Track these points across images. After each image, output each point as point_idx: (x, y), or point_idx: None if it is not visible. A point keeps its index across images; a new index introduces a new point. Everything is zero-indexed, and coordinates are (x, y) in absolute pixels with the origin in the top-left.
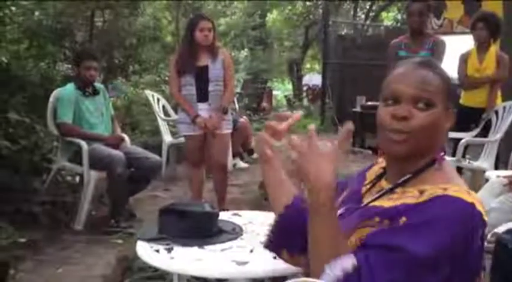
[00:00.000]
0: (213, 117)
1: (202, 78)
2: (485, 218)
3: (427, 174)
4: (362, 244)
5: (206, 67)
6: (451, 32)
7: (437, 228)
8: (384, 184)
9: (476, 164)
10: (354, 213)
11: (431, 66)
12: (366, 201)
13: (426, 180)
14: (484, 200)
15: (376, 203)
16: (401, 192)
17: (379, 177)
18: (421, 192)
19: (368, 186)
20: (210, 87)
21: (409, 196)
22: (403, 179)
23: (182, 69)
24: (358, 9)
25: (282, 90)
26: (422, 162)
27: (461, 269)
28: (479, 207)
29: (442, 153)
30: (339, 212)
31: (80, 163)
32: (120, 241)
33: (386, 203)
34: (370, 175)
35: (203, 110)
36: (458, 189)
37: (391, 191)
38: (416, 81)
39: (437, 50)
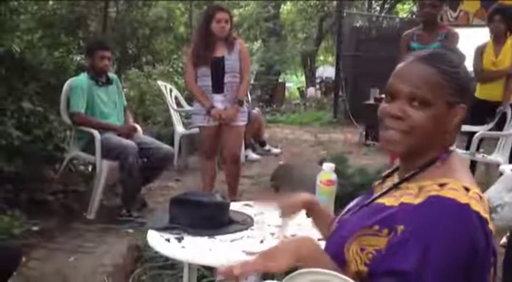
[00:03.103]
0: (228, 109)
1: (218, 69)
2: (485, 215)
3: (429, 170)
4: (369, 273)
5: (222, 58)
6: (467, 25)
7: (433, 242)
8: (395, 179)
9: (490, 157)
10: (360, 210)
11: (434, 61)
12: (375, 194)
13: (428, 176)
14: (497, 194)
15: (380, 200)
16: (405, 188)
17: (393, 172)
18: (420, 188)
19: (380, 180)
20: (226, 79)
21: (409, 193)
22: (407, 175)
23: (198, 61)
24: (373, 1)
25: (295, 82)
26: (426, 158)
27: (473, 269)
28: (475, 206)
29: (450, 149)
30: (349, 206)
31: (93, 153)
32: (131, 230)
33: (388, 200)
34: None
35: (218, 101)
36: (455, 186)
37: (396, 186)
38: (413, 78)
39: (450, 42)
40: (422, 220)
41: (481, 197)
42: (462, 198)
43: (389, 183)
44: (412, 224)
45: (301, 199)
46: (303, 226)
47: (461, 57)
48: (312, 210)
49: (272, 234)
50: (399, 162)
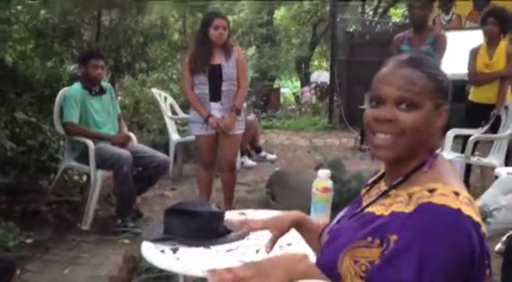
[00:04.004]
0: (226, 118)
1: (215, 77)
2: (477, 219)
3: (417, 176)
4: None
5: (220, 66)
6: (461, 28)
7: (428, 251)
8: (382, 186)
9: (485, 160)
10: (350, 220)
11: (418, 64)
12: (364, 203)
13: (416, 182)
14: (493, 198)
15: (370, 209)
16: (394, 196)
17: (379, 178)
18: (410, 195)
19: (367, 188)
20: (224, 87)
21: (399, 201)
22: (395, 182)
23: (195, 68)
24: (366, 6)
25: (290, 87)
26: (413, 163)
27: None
28: (466, 210)
29: (436, 152)
30: (339, 216)
31: (87, 162)
32: (127, 241)
33: (378, 209)
34: (373, 178)
35: (216, 109)
36: (445, 191)
37: (385, 193)
38: (399, 81)
39: (438, 45)
40: (416, 229)
41: (470, 201)
42: (453, 204)
43: (376, 190)
44: (406, 233)
45: (290, 218)
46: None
47: (437, 61)
48: (302, 227)
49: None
50: (385, 168)
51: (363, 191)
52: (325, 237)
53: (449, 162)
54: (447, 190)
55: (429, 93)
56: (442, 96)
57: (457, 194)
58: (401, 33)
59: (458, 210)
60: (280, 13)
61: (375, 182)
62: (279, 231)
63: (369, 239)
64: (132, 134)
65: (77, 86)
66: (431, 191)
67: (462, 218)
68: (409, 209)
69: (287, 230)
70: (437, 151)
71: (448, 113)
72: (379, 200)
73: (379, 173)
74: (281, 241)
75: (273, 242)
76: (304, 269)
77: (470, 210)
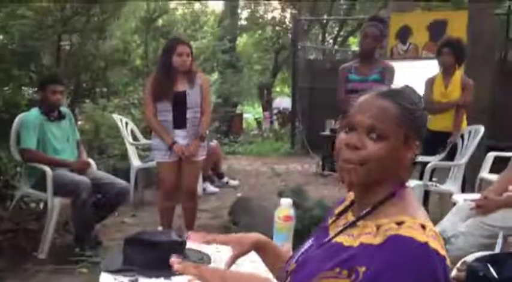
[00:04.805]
0: (190, 145)
1: (180, 104)
2: (443, 253)
3: (385, 207)
4: None
5: (184, 93)
6: (417, 57)
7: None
8: (350, 216)
9: (443, 187)
10: (317, 250)
11: (395, 96)
12: (331, 233)
13: (384, 213)
14: (451, 224)
15: (338, 239)
16: (362, 227)
17: (347, 208)
18: (378, 227)
19: (334, 218)
20: (188, 114)
21: (367, 233)
22: (363, 212)
23: (159, 95)
24: (326, 35)
25: (252, 113)
26: (381, 194)
27: None
28: (433, 244)
29: (405, 185)
30: (306, 245)
31: (44, 189)
32: (85, 270)
33: (346, 240)
34: (339, 208)
35: (180, 137)
36: (412, 224)
37: (353, 224)
38: (372, 110)
39: (387, 75)
40: (384, 261)
41: (436, 234)
42: (420, 237)
43: (344, 220)
44: (375, 265)
45: (253, 239)
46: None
47: (420, 97)
48: (264, 250)
49: None
50: (354, 198)
51: (330, 221)
52: (292, 265)
53: (413, 193)
54: (415, 223)
55: (400, 125)
56: (414, 129)
57: (423, 227)
58: (345, 63)
59: (425, 244)
60: (242, 40)
61: (343, 211)
62: (239, 249)
63: (337, 270)
64: (91, 160)
65: (35, 111)
66: (399, 223)
67: (429, 252)
68: (377, 240)
69: (247, 251)
70: (406, 183)
71: (419, 147)
72: (346, 230)
73: (346, 203)
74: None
75: (232, 260)
76: None
77: (437, 244)
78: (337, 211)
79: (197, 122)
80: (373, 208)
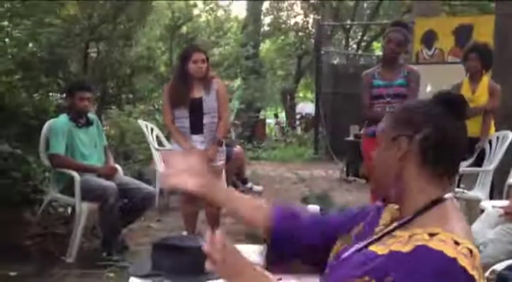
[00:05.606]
0: (208, 150)
1: (196, 110)
2: (472, 272)
3: (423, 217)
4: None
5: (200, 99)
6: (443, 62)
7: None
8: (387, 224)
9: (470, 193)
10: (353, 254)
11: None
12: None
13: (420, 224)
14: (480, 231)
15: (373, 248)
16: (398, 236)
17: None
18: (411, 236)
19: (382, 227)
20: (205, 120)
21: (399, 241)
22: (399, 222)
23: (176, 102)
24: (350, 39)
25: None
26: (417, 205)
27: None
28: (462, 261)
29: (444, 196)
30: (348, 253)
31: (72, 194)
32: (112, 274)
33: (380, 249)
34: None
35: (197, 142)
36: (445, 238)
37: (389, 233)
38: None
39: (413, 79)
40: (407, 270)
41: (471, 252)
42: (450, 252)
43: (382, 227)
44: (399, 273)
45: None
46: None
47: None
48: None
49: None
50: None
51: (377, 229)
52: (332, 258)
53: (456, 207)
54: (447, 237)
55: (389, 128)
56: (402, 127)
57: (457, 243)
58: (368, 70)
59: (454, 260)
60: (265, 46)
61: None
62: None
63: (366, 278)
64: (118, 166)
65: (63, 117)
66: (432, 234)
67: (456, 268)
68: (406, 248)
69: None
70: (447, 195)
71: (406, 143)
72: (382, 239)
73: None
74: None
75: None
76: None
77: (468, 263)
78: (384, 219)
79: (214, 127)
80: (409, 219)
